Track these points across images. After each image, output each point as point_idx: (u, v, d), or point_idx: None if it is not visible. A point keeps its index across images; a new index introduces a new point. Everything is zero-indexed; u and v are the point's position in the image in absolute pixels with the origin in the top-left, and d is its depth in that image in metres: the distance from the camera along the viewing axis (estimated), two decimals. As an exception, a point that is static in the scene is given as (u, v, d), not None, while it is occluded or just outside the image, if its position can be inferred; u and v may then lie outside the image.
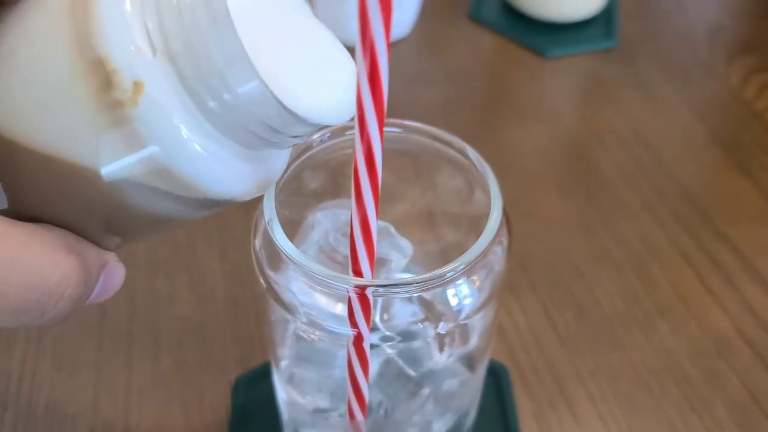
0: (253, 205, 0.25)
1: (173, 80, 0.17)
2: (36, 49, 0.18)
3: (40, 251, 0.17)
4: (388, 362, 0.28)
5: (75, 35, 0.17)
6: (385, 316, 0.26)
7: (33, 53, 0.18)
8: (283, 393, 0.31)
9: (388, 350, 0.28)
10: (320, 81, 0.20)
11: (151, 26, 0.17)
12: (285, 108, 0.18)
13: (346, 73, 0.20)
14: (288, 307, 0.25)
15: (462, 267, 0.23)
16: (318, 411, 0.30)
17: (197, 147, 0.18)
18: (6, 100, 0.18)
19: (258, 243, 0.26)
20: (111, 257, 0.20)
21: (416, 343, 0.27)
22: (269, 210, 0.24)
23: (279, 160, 0.21)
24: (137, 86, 0.17)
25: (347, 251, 0.22)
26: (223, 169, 0.18)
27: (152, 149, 0.17)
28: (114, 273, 0.20)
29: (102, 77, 0.17)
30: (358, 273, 0.22)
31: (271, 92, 0.17)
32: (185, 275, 0.43)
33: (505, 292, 0.42)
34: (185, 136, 0.17)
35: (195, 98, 0.17)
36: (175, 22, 0.17)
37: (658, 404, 0.38)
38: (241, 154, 0.19)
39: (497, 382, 0.38)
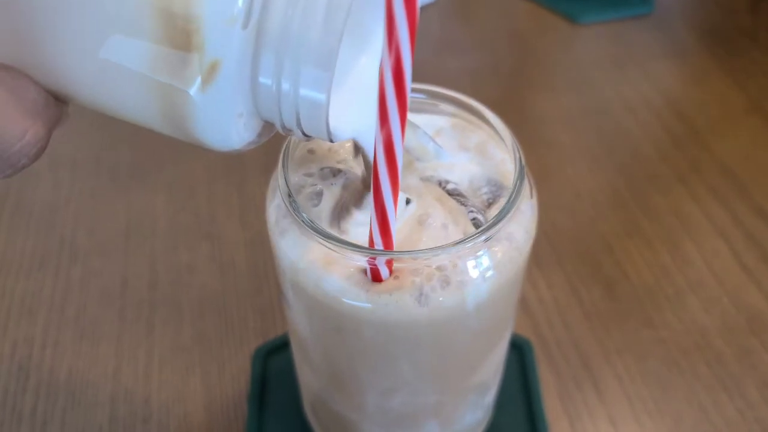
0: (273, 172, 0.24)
1: (248, 56, 0.17)
2: None
3: (14, 112, 0.16)
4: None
5: None
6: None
7: None
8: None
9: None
10: (352, 107, 0.20)
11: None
12: (327, 123, 0.18)
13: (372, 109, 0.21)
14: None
15: (482, 238, 0.22)
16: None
17: (227, 118, 0.17)
18: None
19: (272, 211, 0.25)
20: (64, 111, 0.19)
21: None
22: (283, 181, 0.24)
23: (273, 130, 0.20)
24: (213, 67, 0.16)
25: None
26: (229, 135, 0.18)
27: (190, 91, 0.16)
28: (61, 124, 0.19)
29: (181, 40, 0.16)
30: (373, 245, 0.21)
31: (327, 109, 0.17)
32: (206, 245, 0.43)
33: (531, 265, 0.41)
34: (229, 115, 0.17)
35: (254, 69, 0.17)
36: (287, 5, 0.16)
37: (687, 383, 0.36)
38: (251, 117, 0.18)
39: (521, 358, 0.37)
